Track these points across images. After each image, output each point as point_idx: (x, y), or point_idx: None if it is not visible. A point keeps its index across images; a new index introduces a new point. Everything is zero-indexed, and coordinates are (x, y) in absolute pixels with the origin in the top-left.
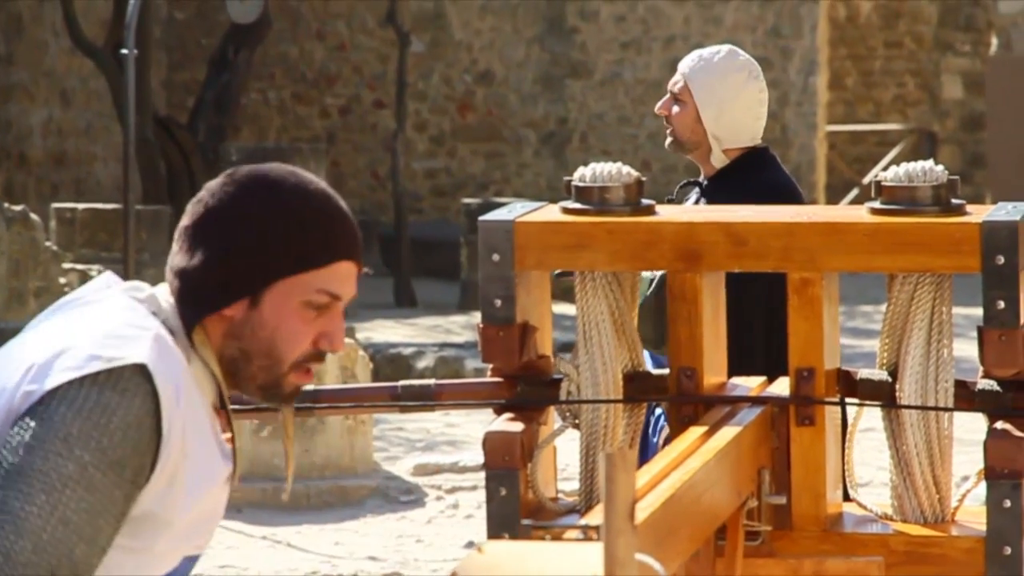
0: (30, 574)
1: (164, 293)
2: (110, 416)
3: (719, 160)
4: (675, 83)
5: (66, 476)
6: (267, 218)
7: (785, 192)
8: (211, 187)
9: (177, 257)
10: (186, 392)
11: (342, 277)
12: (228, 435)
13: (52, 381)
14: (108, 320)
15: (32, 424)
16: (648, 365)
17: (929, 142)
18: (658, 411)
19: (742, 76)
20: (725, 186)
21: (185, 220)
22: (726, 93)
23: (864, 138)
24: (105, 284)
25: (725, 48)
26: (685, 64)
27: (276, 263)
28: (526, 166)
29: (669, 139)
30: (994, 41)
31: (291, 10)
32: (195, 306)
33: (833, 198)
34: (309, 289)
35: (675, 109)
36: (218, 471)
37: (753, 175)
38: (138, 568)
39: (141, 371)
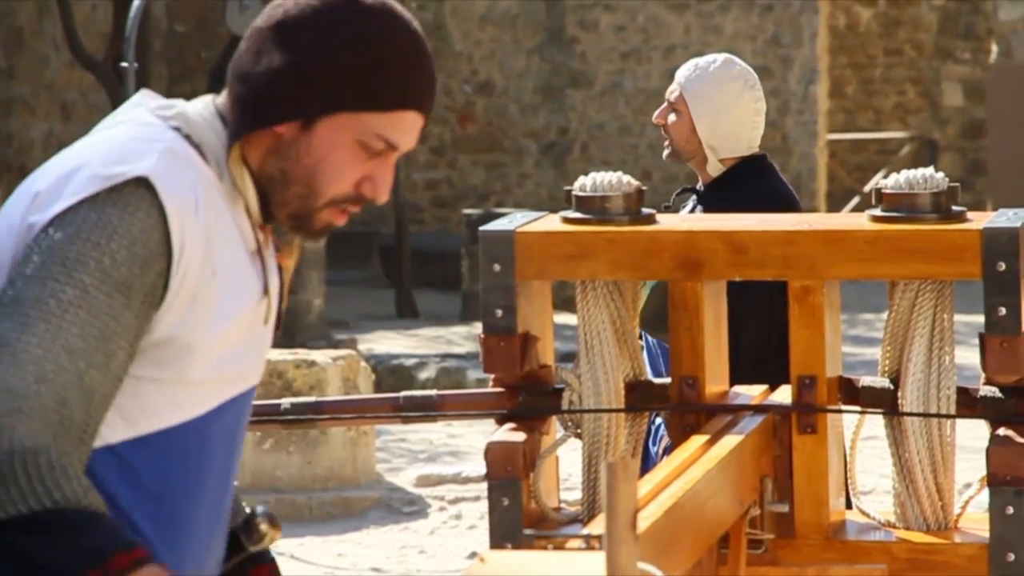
0: (36, 404)
1: (201, 107)
2: (111, 234)
3: (715, 169)
4: (672, 92)
5: (65, 301)
6: (345, 43)
7: (782, 201)
8: None
9: (243, 58)
10: (208, 205)
11: (406, 127)
12: (275, 255)
13: (54, 208)
14: (118, 139)
15: (32, 255)
16: (646, 354)
17: (930, 150)
18: (658, 420)
19: (738, 85)
20: (722, 194)
21: (259, 20)
22: (722, 102)
23: (865, 146)
24: (135, 103)
25: (721, 57)
26: (681, 73)
27: (341, 94)
28: (527, 176)
29: (667, 149)
30: (994, 48)
31: None
32: (248, 114)
33: (834, 206)
34: (367, 130)
35: (672, 118)
36: (252, 290)
37: (750, 184)
38: (175, 401)
39: (144, 184)
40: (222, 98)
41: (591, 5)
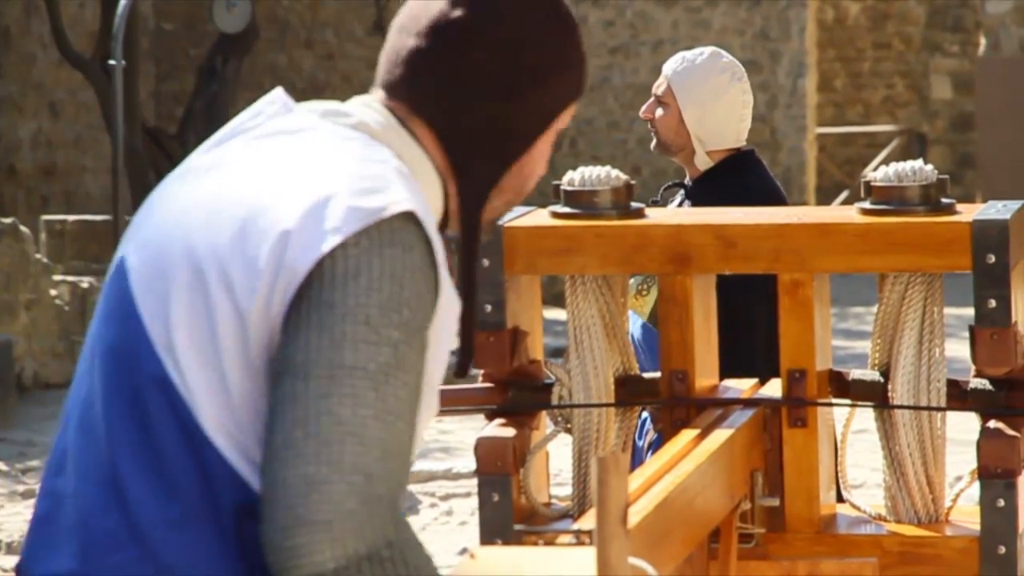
0: (392, 484)
1: (380, 117)
2: (401, 281)
3: (703, 162)
4: (658, 86)
5: (384, 364)
6: (560, 42)
7: (769, 195)
8: None
9: (459, 75)
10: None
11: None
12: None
13: (318, 249)
14: (344, 159)
15: (318, 312)
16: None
17: (919, 143)
18: (644, 415)
19: (725, 78)
20: (709, 188)
21: (435, 44)
22: (708, 95)
23: (854, 140)
24: (287, 105)
25: (708, 50)
26: (668, 66)
27: (570, 94)
28: None
29: (654, 142)
30: (982, 42)
31: (279, 19)
32: (499, 154)
33: (823, 200)
34: (564, 120)
35: (659, 112)
36: (455, 309)
37: (737, 178)
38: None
39: (411, 218)
40: (387, 99)
41: (579, 0)
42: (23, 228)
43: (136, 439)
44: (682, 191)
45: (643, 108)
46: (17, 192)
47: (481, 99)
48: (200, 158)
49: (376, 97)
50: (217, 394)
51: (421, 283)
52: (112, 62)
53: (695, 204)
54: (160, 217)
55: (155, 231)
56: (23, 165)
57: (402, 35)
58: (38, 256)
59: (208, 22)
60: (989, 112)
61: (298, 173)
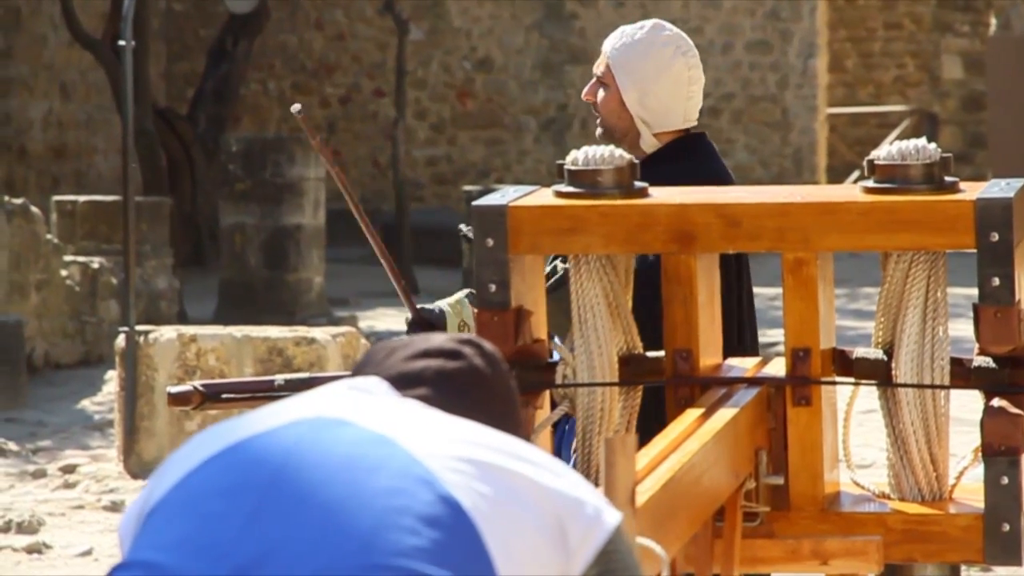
0: None
1: None
2: None
3: (650, 146)
4: (598, 65)
5: None
6: None
7: (715, 181)
8: None
9: None
10: None
11: None
12: None
13: (604, 530)
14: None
15: None
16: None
17: (930, 123)
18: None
19: (668, 51)
20: (655, 173)
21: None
22: (649, 71)
23: (865, 120)
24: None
25: (649, 23)
26: (607, 43)
27: None
28: (527, 153)
29: (599, 129)
30: (993, 21)
31: (289, 0)
32: None
33: (835, 180)
34: None
35: (600, 93)
36: None
37: (684, 163)
38: None
39: None
40: None
41: None
42: (33, 208)
43: None
44: None
45: (585, 90)
46: (28, 173)
47: None
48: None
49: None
50: None
51: None
52: (122, 43)
53: None
54: None
55: None
56: (34, 146)
57: None
58: (49, 236)
59: (219, 2)
60: (1000, 92)
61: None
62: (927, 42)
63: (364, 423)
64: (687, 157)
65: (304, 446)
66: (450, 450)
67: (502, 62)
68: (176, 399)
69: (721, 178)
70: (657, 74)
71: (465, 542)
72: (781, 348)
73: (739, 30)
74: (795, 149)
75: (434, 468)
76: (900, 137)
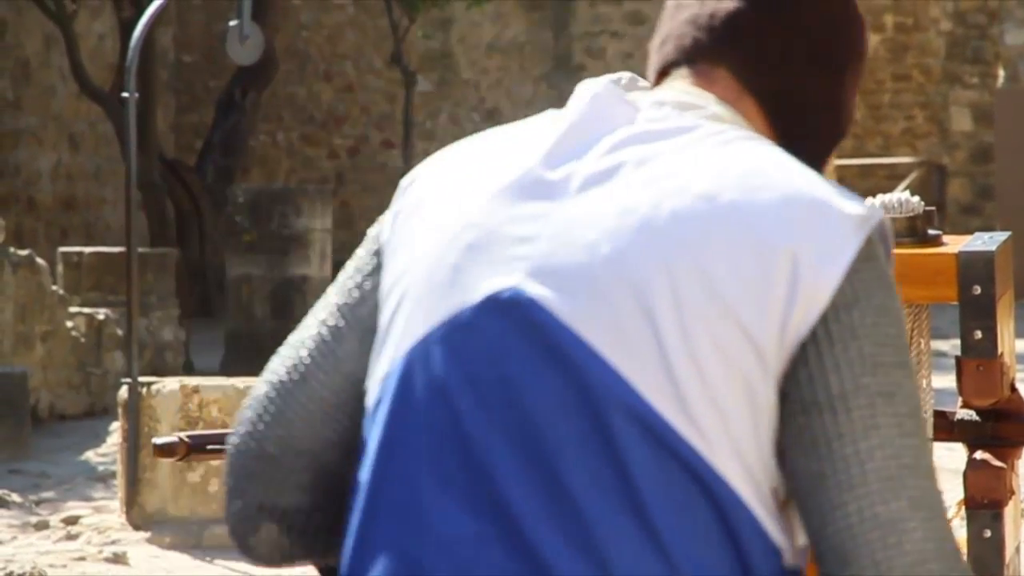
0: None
1: (724, 112)
2: (894, 292)
3: None
4: None
5: (915, 389)
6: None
7: None
8: None
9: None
10: None
11: None
12: None
13: (838, 266)
14: (782, 159)
15: (842, 337)
16: None
17: (939, 175)
18: None
19: None
20: None
21: (764, 8)
22: None
23: (874, 171)
24: (667, 115)
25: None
26: None
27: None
28: None
29: None
30: (1001, 73)
31: (298, 52)
32: (830, 142)
33: None
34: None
35: None
36: None
37: None
38: None
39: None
40: (698, 79)
41: (598, 33)
42: (39, 260)
43: (623, 503)
44: None
45: None
46: (37, 224)
47: (815, 73)
48: (573, 167)
49: (685, 82)
50: (725, 438)
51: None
52: (125, 94)
53: None
54: (558, 242)
55: (559, 258)
56: (43, 197)
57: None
58: (54, 288)
59: (227, 55)
60: (1008, 143)
61: (761, 179)
62: (936, 94)
63: None
64: None
65: None
66: None
67: (511, 113)
68: (161, 451)
69: None
70: None
71: None
72: None
73: None
74: None
75: None
76: (908, 188)
